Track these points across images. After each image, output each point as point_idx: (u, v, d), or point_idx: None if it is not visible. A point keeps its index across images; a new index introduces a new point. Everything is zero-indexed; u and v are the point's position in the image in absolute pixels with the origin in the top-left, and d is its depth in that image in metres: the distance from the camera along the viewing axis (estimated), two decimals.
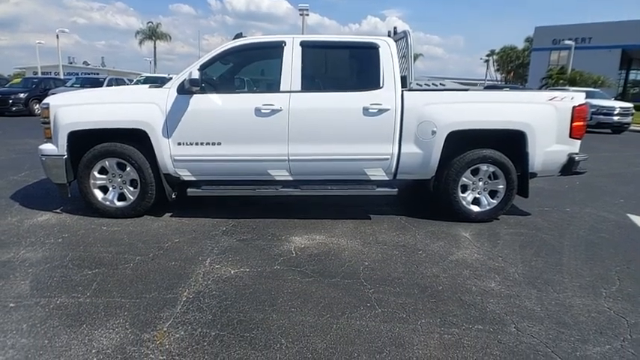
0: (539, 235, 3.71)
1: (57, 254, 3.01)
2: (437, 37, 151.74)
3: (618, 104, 14.98)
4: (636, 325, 2.29)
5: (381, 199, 4.58)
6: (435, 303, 2.47)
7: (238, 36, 4.01)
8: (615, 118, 14.41)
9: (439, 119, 3.75)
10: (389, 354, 2.00)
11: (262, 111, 3.64)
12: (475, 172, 3.95)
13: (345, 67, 4.13)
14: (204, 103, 3.66)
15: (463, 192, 3.98)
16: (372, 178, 3.92)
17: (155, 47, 45.65)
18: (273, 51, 3.79)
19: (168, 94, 3.66)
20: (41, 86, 15.45)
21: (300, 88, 3.71)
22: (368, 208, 4.32)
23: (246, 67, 4.05)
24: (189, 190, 3.81)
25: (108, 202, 3.80)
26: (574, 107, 3.84)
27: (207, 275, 2.74)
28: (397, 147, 3.80)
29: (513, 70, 48.19)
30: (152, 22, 45.61)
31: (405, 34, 4.32)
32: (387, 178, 3.94)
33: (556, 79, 25.06)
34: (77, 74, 28.04)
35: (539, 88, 20.04)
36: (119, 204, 3.82)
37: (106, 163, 3.74)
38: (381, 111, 3.70)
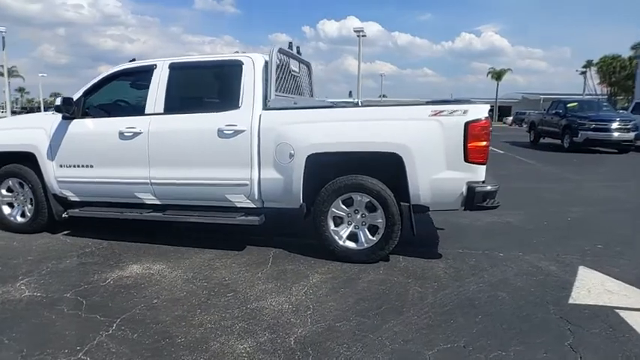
0: (408, 288, 2.89)
1: None
2: (539, 51, 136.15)
3: None
4: None
5: (283, 228, 4.17)
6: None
7: (132, 61, 4.14)
8: None
9: (296, 140, 3.29)
10: None
11: (125, 134, 3.66)
12: (349, 203, 3.34)
13: (208, 87, 3.92)
14: (79, 127, 3.84)
15: (337, 225, 3.39)
16: (237, 205, 3.59)
17: None
18: (146, 75, 3.79)
19: (54, 119, 3.93)
20: None
21: (162, 111, 3.64)
22: (262, 237, 3.93)
23: (125, 92, 4.14)
24: (69, 211, 4.00)
25: (12, 218, 4.20)
26: (467, 124, 3.01)
27: None
28: (257, 171, 3.43)
29: (616, 81, 40.23)
30: (238, 52, 50.16)
31: (288, 47, 3.98)
32: (253, 206, 3.58)
33: None
34: None
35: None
36: (20, 220, 4.18)
37: (10, 182, 4.15)
38: (236, 132, 3.41)
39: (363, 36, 23.76)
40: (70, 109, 3.74)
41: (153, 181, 3.66)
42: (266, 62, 3.53)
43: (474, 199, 3.07)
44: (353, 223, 3.37)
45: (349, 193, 3.30)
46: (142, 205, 3.87)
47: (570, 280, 2.99)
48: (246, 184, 3.47)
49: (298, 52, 4.44)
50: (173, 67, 3.71)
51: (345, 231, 3.39)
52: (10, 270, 3.22)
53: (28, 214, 4.13)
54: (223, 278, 3.08)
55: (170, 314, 2.53)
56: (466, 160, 3.05)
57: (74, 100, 3.79)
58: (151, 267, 3.31)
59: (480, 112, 3.05)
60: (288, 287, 2.92)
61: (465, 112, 3.03)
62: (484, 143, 3.05)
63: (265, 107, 3.42)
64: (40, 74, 58.92)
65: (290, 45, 4.12)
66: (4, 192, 4.19)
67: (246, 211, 3.61)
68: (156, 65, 3.75)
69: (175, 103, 3.69)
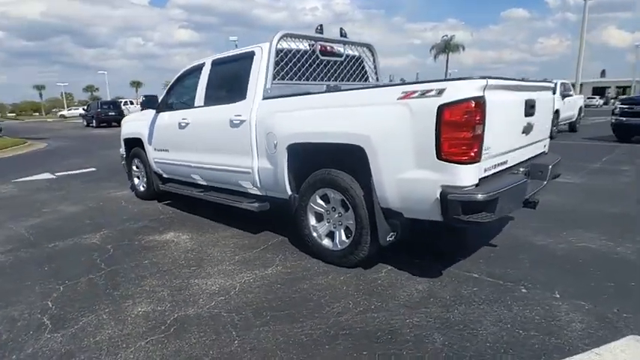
0: (341, 301, 2.47)
1: None
2: None
3: None
4: None
5: None
6: None
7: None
8: None
9: (278, 130, 3.23)
10: None
11: (181, 124, 4.40)
12: (327, 199, 3.05)
13: (231, 79, 4.03)
14: (161, 119, 4.83)
15: (319, 221, 3.16)
16: (250, 191, 3.82)
17: (447, 60, 46.72)
18: (199, 72, 4.36)
19: (153, 113, 5.07)
20: None
21: (202, 104, 4.19)
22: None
23: (191, 88, 4.79)
24: (160, 185, 5.12)
25: (139, 187, 5.65)
26: (441, 107, 2.26)
27: None
28: (256, 160, 3.55)
29: None
30: (447, 35, 47.32)
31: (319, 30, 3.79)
32: (260, 193, 3.73)
33: None
34: None
35: None
36: (142, 189, 5.54)
37: (135, 160, 5.61)
38: (241, 122, 3.61)
39: None
40: (153, 105, 4.75)
41: (196, 165, 4.29)
42: (276, 50, 3.53)
43: (447, 209, 2.29)
44: (331, 221, 3.08)
45: (323, 188, 3.02)
46: (198, 185, 4.59)
47: None
48: (249, 172, 3.64)
49: (343, 34, 4.19)
50: (213, 64, 4.18)
51: (323, 228, 3.14)
52: (103, 224, 4.44)
53: (144, 186, 5.53)
54: (210, 254, 3.39)
55: (147, 271, 3.03)
56: (439, 156, 2.30)
57: (159, 97, 4.79)
58: (180, 236, 3.94)
59: (462, 90, 2.22)
60: (241, 272, 2.99)
61: (441, 91, 2.27)
62: (466, 134, 2.21)
63: (263, 97, 3.47)
64: None
65: (341, 30, 3.95)
66: (134, 168, 5.72)
67: (257, 198, 3.79)
68: (204, 63, 4.30)
69: (210, 96, 4.15)
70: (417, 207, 2.50)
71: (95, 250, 3.60)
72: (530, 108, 2.79)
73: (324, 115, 2.91)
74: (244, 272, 2.99)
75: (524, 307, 2.34)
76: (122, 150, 5.84)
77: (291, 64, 3.65)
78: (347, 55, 4.21)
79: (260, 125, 3.43)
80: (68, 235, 4.02)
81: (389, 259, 3.05)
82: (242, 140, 3.63)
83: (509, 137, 2.66)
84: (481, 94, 2.21)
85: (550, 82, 3.55)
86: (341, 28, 4.10)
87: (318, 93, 3.10)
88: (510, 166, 2.75)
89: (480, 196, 2.23)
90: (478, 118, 2.22)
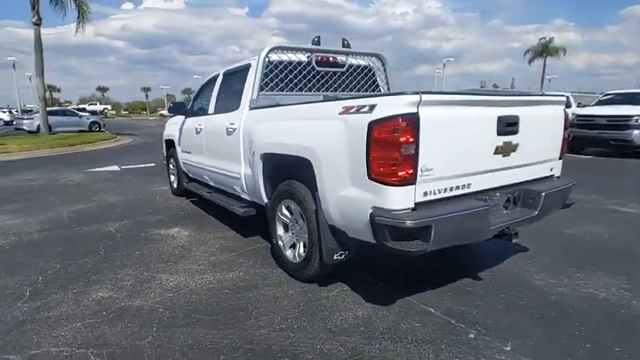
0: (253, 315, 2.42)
1: None
2: None
3: None
4: None
5: None
6: None
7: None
8: None
9: (256, 139, 3.34)
10: None
11: (197, 130, 4.75)
12: (291, 210, 3.05)
13: (233, 90, 4.17)
14: (186, 124, 5.25)
15: (287, 231, 3.17)
16: (241, 195, 3.96)
17: (544, 65, 43.03)
18: (214, 82, 4.65)
19: (183, 119, 5.53)
20: None
21: (213, 111, 4.47)
22: None
23: (209, 96, 5.08)
24: (185, 184, 5.55)
25: (171, 184, 6.23)
26: (371, 124, 2.12)
27: None
28: (243, 167, 3.69)
29: None
30: (545, 38, 43.55)
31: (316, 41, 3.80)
32: (248, 198, 3.85)
33: None
34: None
35: None
36: (175, 186, 6.13)
37: (172, 160, 6.17)
38: (234, 130, 3.78)
39: None
40: (179, 111, 5.19)
41: (206, 167, 4.58)
42: (269, 62, 3.64)
43: (376, 233, 2.13)
44: (294, 233, 3.05)
45: (286, 199, 3.01)
46: (209, 187, 4.89)
47: None
48: (239, 178, 3.78)
49: (346, 45, 4.14)
50: (224, 74, 4.44)
51: (288, 238, 3.12)
52: (128, 214, 4.96)
53: (176, 184, 6.05)
54: (193, 252, 3.59)
55: (132, 261, 3.34)
56: (369, 176, 2.15)
57: (187, 103, 5.22)
58: (181, 232, 4.25)
59: (392, 106, 2.05)
60: (205, 273, 3.12)
61: (372, 107, 2.13)
62: (394, 154, 2.04)
63: (250, 107, 3.58)
64: None
65: (343, 41, 3.95)
66: (170, 167, 6.28)
67: (247, 203, 3.92)
68: (219, 74, 4.59)
69: (219, 105, 4.40)
70: (355, 227, 2.36)
71: (106, 237, 4.06)
72: (507, 126, 2.45)
73: (284, 128, 2.94)
74: (207, 273, 3.12)
75: (456, 354, 2.06)
76: (164, 150, 6.47)
77: (282, 76, 3.73)
78: (351, 65, 4.14)
79: (245, 134, 3.56)
80: (95, 222, 4.59)
81: (350, 278, 2.93)
82: (234, 147, 3.79)
83: (469, 158, 2.36)
84: (413, 110, 2.02)
85: (560, 95, 2.99)
86: (343, 39, 4.05)
87: (284, 105, 3.11)
88: (478, 191, 2.44)
89: (408, 222, 2.03)
90: (408, 136, 2.03)
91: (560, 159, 2.99)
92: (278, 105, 3.18)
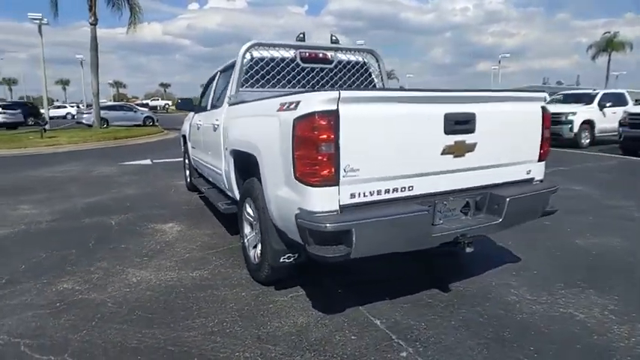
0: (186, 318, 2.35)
1: None
2: None
3: None
4: None
5: None
6: None
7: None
8: None
9: (229, 134, 3.31)
10: None
11: (198, 126, 4.83)
12: (254, 209, 2.96)
13: (222, 86, 4.12)
14: (193, 119, 5.35)
15: (251, 230, 3.09)
16: (227, 192, 3.96)
17: (609, 61, 40.20)
18: (214, 80, 4.72)
19: (194, 115, 5.67)
20: None
21: (209, 108, 4.51)
22: None
23: (209, 93, 5.10)
24: (193, 179, 5.69)
25: (185, 179, 6.43)
26: (295, 121, 1.98)
27: None
28: (224, 163, 3.68)
29: None
30: (609, 32, 40.14)
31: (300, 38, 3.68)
32: (231, 195, 3.83)
33: None
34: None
35: None
36: (188, 181, 6.33)
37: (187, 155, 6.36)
38: (217, 127, 3.78)
39: None
40: (186, 107, 5.31)
41: (203, 162, 4.66)
42: (250, 58, 3.59)
43: (302, 236, 1.98)
44: (256, 232, 2.96)
45: (248, 197, 2.94)
46: (209, 182, 4.95)
47: None
48: (221, 174, 3.78)
49: (334, 41, 3.98)
50: (220, 72, 4.45)
51: (252, 238, 3.05)
52: (134, 207, 5.19)
53: (188, 179, 6.24)
54: (173, 248, 3.66)
55: (113, 254, 3.48)
56: (295, 175, 2.00)
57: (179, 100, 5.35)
58: (174, 227, 4.35)
59: (313, 102, 1.87)
60: (171, 270, 3.15)
61: (297, 104, 1.97)
62: (313, 152, 1.87)
63: (228, 103, 3.55)
64: (408, 75, 71.63)
65: (331, 37, 3.83)
66: (186, 162, 6.49)
67: (232, 199, 3.91)
68: (218, 72, 4.62)
69: (213, 102, 4.43)
70: (289, 228, 2.22)
71: (103, 229, 4.27)
72: (456, 124, 2.14)
73: (243, 124, 2.86)
74: (172, 271, 3.15)
75: None
76: (182, 145, 6.69)
77: (263, 72, 3.65)
78: (340, 62, 3.96)
79: (225, 130, 3.54)
80: (102, 214, 4.85)
81: (311, 283, 2.81)
82: (218, 143, 3.78)
83: (409, 158, 2.10)
84: (332, 107, 1.85)
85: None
86: (332, 35, 3.91)
87: (247, 102, 3.02)
88: (424, 194, 2.18)
89: (327, 225, 1.86)
90: (327, 134, 1.85)
91: (540, 161, 2.58)
92: (244, 102, 3.10)
